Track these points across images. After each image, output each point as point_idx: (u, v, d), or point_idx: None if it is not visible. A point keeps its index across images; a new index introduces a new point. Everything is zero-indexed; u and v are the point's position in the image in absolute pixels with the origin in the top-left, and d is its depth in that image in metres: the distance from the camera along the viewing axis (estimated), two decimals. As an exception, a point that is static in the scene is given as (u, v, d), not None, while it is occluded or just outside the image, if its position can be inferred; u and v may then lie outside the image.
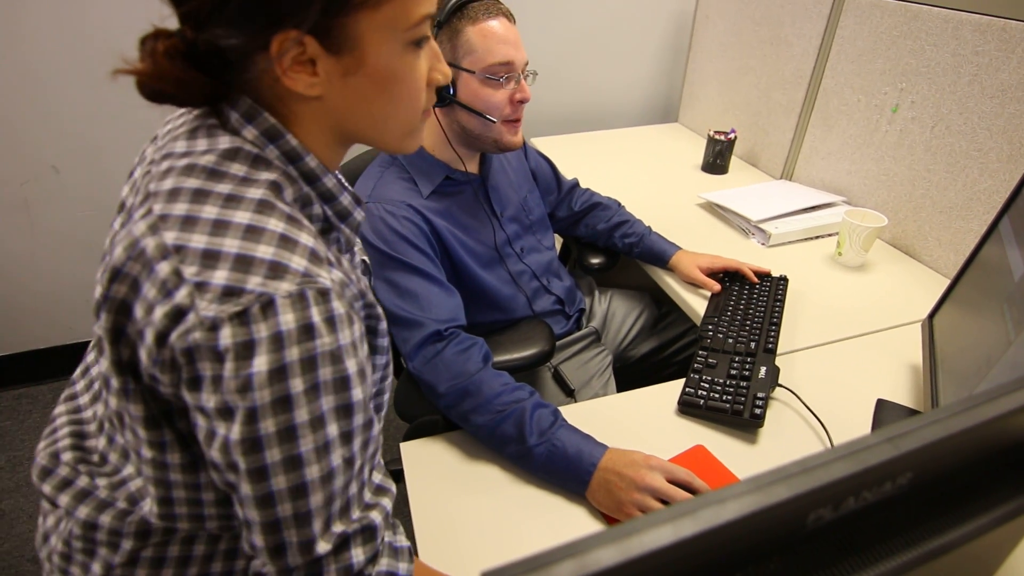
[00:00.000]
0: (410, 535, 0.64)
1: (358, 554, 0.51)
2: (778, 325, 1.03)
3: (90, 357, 0.62)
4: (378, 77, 0.50)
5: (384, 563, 0.53)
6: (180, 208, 0.46)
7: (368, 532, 0.52)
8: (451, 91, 0.95)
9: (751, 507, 0.33)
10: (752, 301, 1.10)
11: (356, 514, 0.51)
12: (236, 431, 0.44)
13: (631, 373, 1.33)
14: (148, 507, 0.54)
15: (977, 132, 1.17)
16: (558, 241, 1.43)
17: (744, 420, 0.85)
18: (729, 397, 0.88)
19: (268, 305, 0.43)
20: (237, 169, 0.48)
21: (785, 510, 0.34)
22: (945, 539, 0.39)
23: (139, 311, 0.45)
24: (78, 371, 0.64)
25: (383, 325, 0.62)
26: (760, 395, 0.87)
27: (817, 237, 1.41)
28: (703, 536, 0.32)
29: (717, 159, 1.74)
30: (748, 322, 1.04)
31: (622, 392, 0.97)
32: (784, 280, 1.17)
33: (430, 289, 0.92)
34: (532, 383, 1.15)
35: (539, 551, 0.29)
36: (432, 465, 0.84)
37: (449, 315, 0.91)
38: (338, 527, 0.50)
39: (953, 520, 0.41)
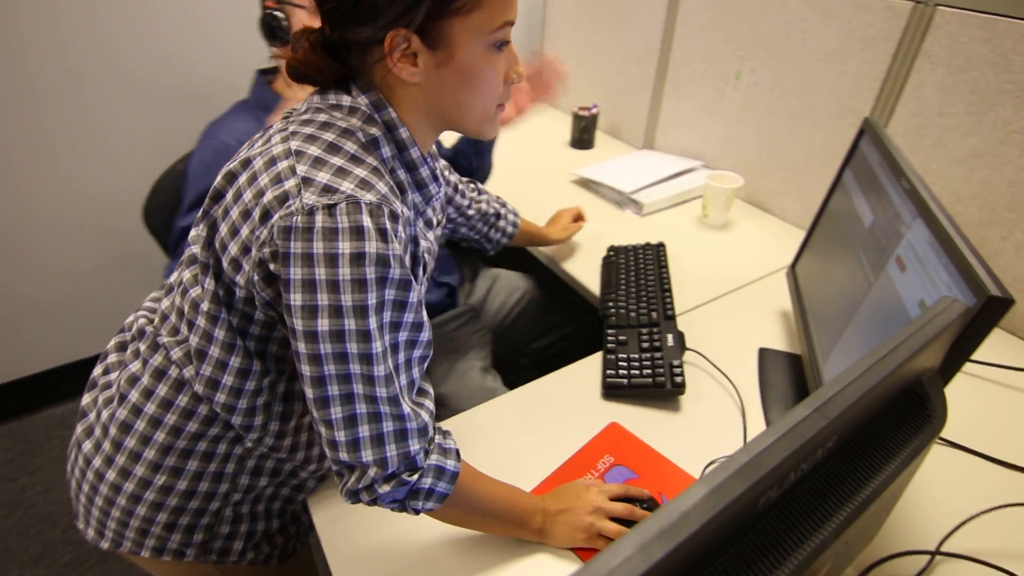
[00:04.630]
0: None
1: (414, 444, 0.60)
2: (670, 291, 1.07)
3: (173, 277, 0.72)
4: (463, 71, 0.61)
5: (434, 458, 0.62)
6: (308, 130, 0.60)
7: (422, 429, 0.61)
8: (287, 27, 0.94)
9: (713, 510, 0.32)
10: (640, 271, 1.13)
11: (405, 406, 0.59)
12: (322, 300, 0.54)
13: (512, 354, 1.33)
14: (189, 372, 0.66)
15: (809, 93, 1.29)
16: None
17: (668, 391, 0.87)
18: (648, 371, 0.89)
19: (354, 204, 0.55)
20: (352, 121, 0.62)
21: (741, 502, 0.33)
22: (869, 488, 0.42)
23: (249, 195, 0.58)
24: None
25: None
26: (675, 363, 0.90)
27: (684, 202, 1.49)
28: (673, 552, 0.30)
29: (583, 134, 1.78)
30: (643, 293, 1.07)
31: (525, 384, 0.95)
32: (662, 246, 1.22)
33: None
34: None
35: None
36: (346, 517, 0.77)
37: None
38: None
39: (872, 469, 0.43)
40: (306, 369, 0.57)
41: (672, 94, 1.64)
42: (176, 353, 0.67)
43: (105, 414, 0.71)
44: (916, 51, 1.08)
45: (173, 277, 0.71)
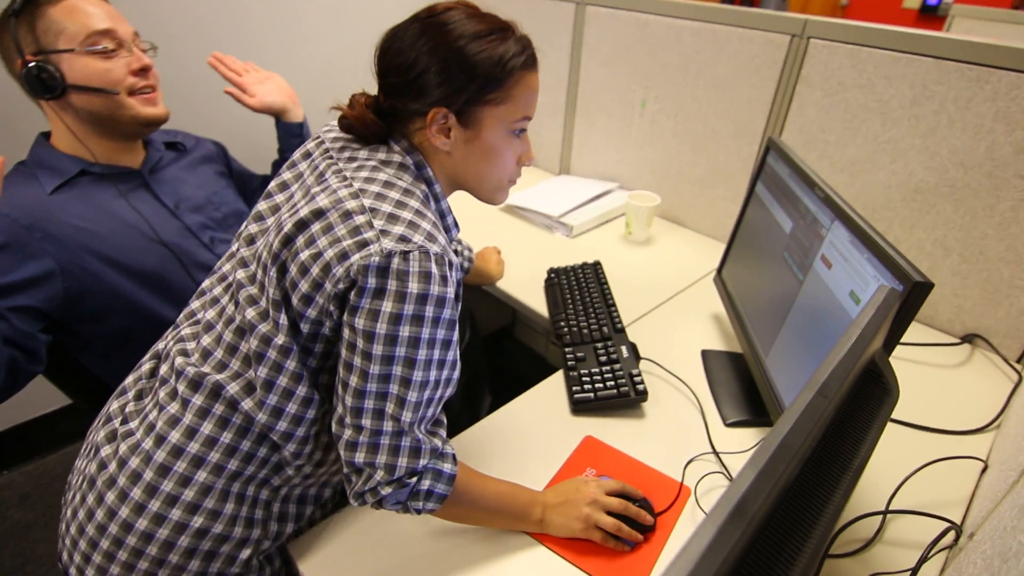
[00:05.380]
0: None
1: (423, 460, 0.67)
2: (615, 305, 1.13)
3: (195, 304, 0.80)
4: (487, 148, 0.75)
5: (431, 462, 0.67)
6: (375, 188, 0.68)
7: (433, 450, 0.68)
8: (60, 77, 0.89)
9: (765, 489, 0.36)
10: (583, 289, 1.19)
11: (420, 433, 0.67)
12: (381, 329, 0.63)
13: None
14: (249, 404, 0.70)
15: (708, 117, 1.43)
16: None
17: (632, 399, 0.92)
18: (611, 383, 0.94)
19: (425, 253, 0.64)
20: (406, 180, 0.72)
21: (783, 480, 0.38)
22: (861, 454, 0.48)
23: (323, 241, 0.65)
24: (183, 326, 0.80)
25: None
26: (634, 372, 0.95)
27: (607, 221, 1.59)
28: (744, 532, 0.33)
29: (502, 164, 1.83)
30: (590, 309, 1.12)
31: (493, 412, 0.97)
32: (599, 264, 1.29)
33: None
34: None
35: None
36: (332, 564, 0.74)
37: None
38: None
39: (856, 438, 0.50)
40: (352, 380, 0.65)
41: (583, 122, 1.74)
42: (233, 388, 0.70)
43: (135, 461, 0.70)
44: (797, 77, 1.24)
45: (210, 314, 0.75)
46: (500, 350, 2.20)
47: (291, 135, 1.26)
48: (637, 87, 1.55)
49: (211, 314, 0.75)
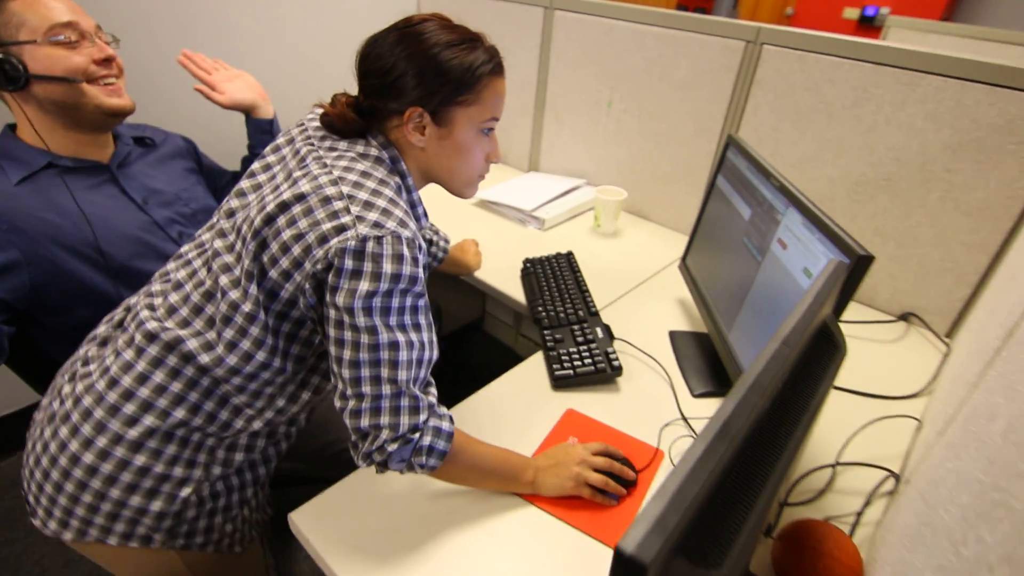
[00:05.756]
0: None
1: (423, 416, 0.72)
2: (588, 291, 1.20)
3: (171, 265, 0.85)
4: (457, 145, 0.82)
5: (432, 420, 0.73)
6: (352, 176, 0.74)
7: (429, 406, 0.73)
8: (22, 68, 0.90)
9: (744, 415, 0.43)
10: (558, 277, 1.26)
11: (417, 391, 0.72)
12: (359, 304, 0.69)
13: None
14: (206, 359, 0.76)
15: (671, 117, 1.52)
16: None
17: (609, 375, 0.99)
18: (589, 360, 1.01)
19: (397, 238, 0.70)
20: (381, 172, 0.77)
21: (758, 409, 0.45)
22: (816, 397, 0.56)
23: (304, 223, 0.71)
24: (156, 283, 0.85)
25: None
26: (609, 350, 1.02)
27: (577, 215, 1.66)
28: (727, 450, 0.40)
29: (473, 161, 1.89)
30: (565, 295, 1.19)
31: (475, 392, 1.03)
32: (572, 254, 1.37)
33: None
34: None
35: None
36: (338, 531, 0.79)
37: None
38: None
39: (812, 384, 0.58)
40: (346, 354, 0.70)
41: (552, 121, 1.82)
42: (192, 344, 0.76)
43: (88, 400, 0.77)
44: (751, 80, 1.34)
45: (181, 274, 0.81)
46: (470, 343, 2.25)
47: (260, 131, 1.28)
48: (603, 88, 1.63)
49: (182, 274, 0.81)
